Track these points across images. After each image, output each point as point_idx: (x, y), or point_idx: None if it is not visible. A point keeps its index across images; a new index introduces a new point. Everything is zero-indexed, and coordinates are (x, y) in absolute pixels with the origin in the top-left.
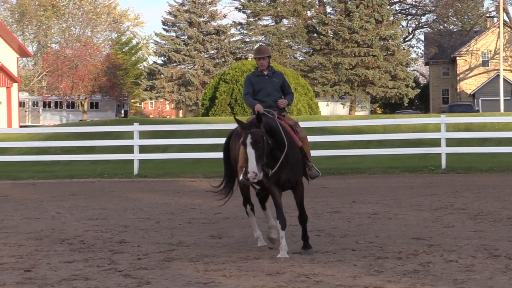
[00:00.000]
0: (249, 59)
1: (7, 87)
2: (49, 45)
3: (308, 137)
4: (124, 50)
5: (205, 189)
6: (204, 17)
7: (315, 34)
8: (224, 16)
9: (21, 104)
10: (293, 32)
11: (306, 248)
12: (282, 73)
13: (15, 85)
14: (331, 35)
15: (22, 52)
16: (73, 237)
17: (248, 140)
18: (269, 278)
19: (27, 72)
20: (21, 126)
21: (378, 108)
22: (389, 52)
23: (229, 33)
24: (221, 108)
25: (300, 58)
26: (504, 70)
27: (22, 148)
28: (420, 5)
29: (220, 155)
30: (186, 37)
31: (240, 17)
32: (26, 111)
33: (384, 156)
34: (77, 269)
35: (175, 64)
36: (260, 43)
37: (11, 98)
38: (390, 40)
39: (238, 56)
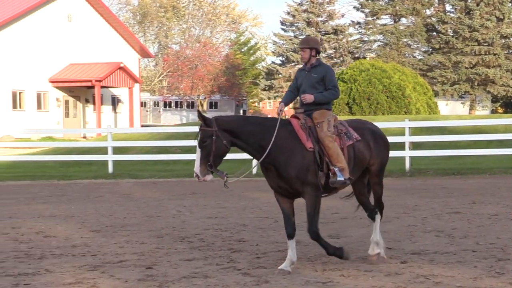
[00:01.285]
0: (367, 59)
1: (129, 88)
2: (169, 45)
3: (426, 137)
4: (242, 50)
5: None
6: (322, 17)
7: (435, 33)
8: (342, 16)
9: (143, 104)
10: (412, 31)
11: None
12: (327, 66)
13: (136, 86)
14: (451, 34)
15: (143, 53)
16: (193, 235)
17: (197, 139)
18: (387, 279)
19: (148, 72)
20: (142, 126)
21: (499, 108)
22: (510, 51)
23: (347, 32)
24: (339, 108)
25: (419, 57)
26: None
27: (143, 147)
28: None
29: None
30: (304, 36)
31: (358, 16)
32: (147, 111)
33: (505, 156)
34: (197, 267)
35: (293, 64)
36: (379, 42)
37: (132, 98)
38: (511, 38)
39: (356, 55)
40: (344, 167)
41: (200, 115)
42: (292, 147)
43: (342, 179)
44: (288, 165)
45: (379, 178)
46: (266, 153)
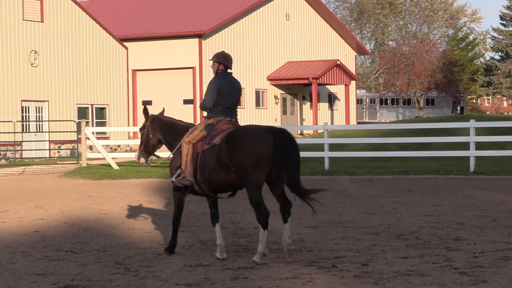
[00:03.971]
0: None
1: (345, 85)
2: (386, 42)
3: None
4: (460, 46)
5: None
6: None
7: None
8: None
9: (359, 101)
10: None
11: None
12: (211, 80)
13: (353, 83)
14: None
15: (360, 50)
16: (409, 233)
17: None
18: None
19: (365, 69)
20: (358, 123)
21: None
22: None
23: None
24: None
25: None
26: None
27: (359, 144)
28: None
29: None
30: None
31: None
32: (363, 108)
33: None
34: (413, 265)
35: None
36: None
37: (349, 95)
38: None
39: None
40: (182, 169)
41: (143, 111)
42: (178, 149)
43: (172, 179)
44: (171, 162)
45: (244, 183)
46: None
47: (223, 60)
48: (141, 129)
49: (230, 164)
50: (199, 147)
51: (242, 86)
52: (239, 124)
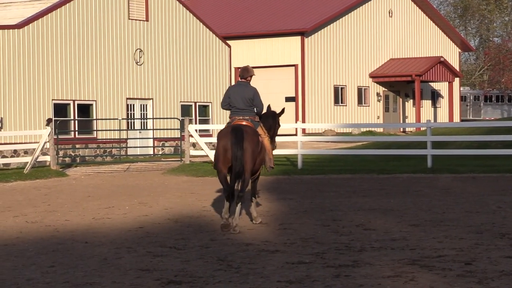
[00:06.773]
0: None
1: (449, 82)
2: (491, 39)
3: None
4: None
5: None
6: None
7: None
8: None
9: (463, 99)
10: None
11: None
12: None
13: (456, 80)
14: None
15: (464, 47)
16: None
17: None
18: None
19: (469, 66)
20: (462, 120)
21: None
22: None
23: None
24: None
25: None
26: None
27: (463, 142)
28: None
29: None
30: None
31: None
32: (467, 105)
33: None
34: None
35: None
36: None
37: (452, 92)
38: None
39: None
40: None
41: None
42: None
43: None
44: None
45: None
46: None
47: (240, 72)
48: None
49: None
50: None
51: (343, 84)
52: (254, 120)
